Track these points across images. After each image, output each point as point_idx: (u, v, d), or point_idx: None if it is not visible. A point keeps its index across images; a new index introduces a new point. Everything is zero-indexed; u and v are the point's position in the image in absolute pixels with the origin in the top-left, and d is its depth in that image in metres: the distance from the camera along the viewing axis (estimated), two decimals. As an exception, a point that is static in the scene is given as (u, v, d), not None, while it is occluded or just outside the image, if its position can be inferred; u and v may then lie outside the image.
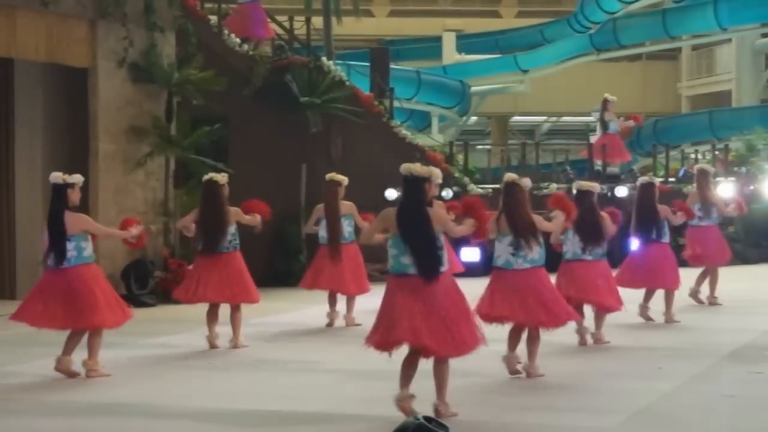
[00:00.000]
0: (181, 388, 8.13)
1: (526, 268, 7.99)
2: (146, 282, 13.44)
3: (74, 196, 8.26)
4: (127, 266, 13.43)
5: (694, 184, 12.98)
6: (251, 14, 16.74)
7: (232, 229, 9.76)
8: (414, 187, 6.62)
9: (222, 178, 9.78)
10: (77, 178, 8.30)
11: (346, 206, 11.11)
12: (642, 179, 11.79)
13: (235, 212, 9.79)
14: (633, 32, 29.57)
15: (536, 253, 8.01)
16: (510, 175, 8.18)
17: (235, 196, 12.48)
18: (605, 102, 17.98)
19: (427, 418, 6.32)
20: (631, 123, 19.12)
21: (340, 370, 8.47)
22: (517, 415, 7.13)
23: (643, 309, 11.26)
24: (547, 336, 9.62)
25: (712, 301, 12.63)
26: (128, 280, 13.38)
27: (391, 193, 15.53)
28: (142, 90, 14.09)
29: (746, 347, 9.72)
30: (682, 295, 12.11)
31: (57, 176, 8.25)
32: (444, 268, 6.61)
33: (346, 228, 11.07)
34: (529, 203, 8.00)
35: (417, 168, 6.63)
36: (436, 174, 6.69)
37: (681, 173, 20.21)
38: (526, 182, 8.07)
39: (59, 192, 8.22)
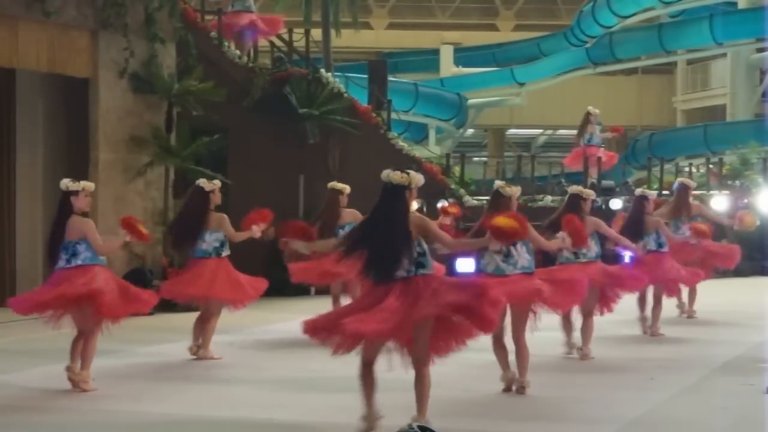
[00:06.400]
0: (178, 396, 8.18)
1: (517, 274, 8.06)
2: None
3: (79, 203, 8.29)
4: (126, 275, 13.45)
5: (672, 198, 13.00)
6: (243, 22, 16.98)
7: (213, 235, 9.75)
8: (393, 195, 6.56)
9: (207, 184, 9.79)
10: (82, 185, 8.31)
11: (349, 214, 11.20)
12: (636, 191, 11.96)
13: (219, 218, 9.78)
14: (629, 46, 29.76)
15: (526, 260, 8.08)
16: (498, 183, 8.28)
17: (235, 206, 12.61)
18: (587, 115, 18.10)
19: (422, 428, 6.44)
20: (608, 135, 19.19)
21: (336, 379, 8.54)
22: (510, 426, 7.22)
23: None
24: (541, 347, 9.76)
25: (691, 314, 12.71)
26: (127, 288, 13.47)
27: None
28: (143, 100, 14.20)
29: (738, 359, 9.82)
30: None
31: (63, 183, 8.36)
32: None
33: None
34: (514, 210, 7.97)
35: (396, 176, 6.56)
36: (417, 180, 6.59)
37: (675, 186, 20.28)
38: (512, 191, 8.11)
39: (62, 198, 8.31)
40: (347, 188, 11.27)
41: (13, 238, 13.78)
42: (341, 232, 11.22)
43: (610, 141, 20.29)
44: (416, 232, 6.53)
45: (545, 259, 9.21)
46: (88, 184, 8.36)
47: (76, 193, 8.25)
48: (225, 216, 9.84)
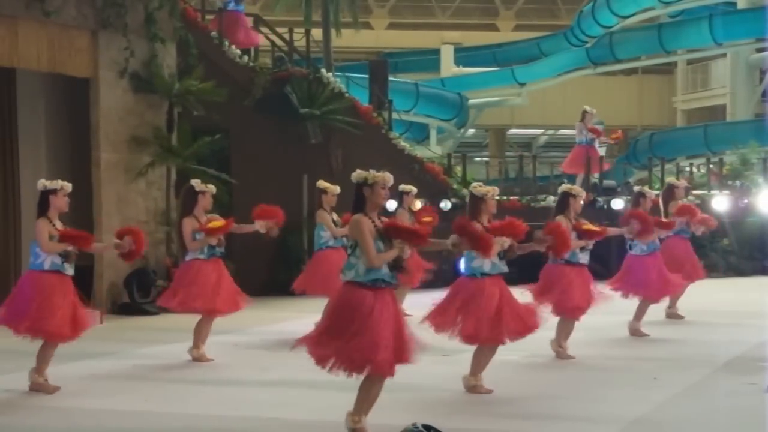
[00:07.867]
0: (180, 396, 8.19)
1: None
2: (148, 291, 13.56)
3: (57, 202, 8.18)
4: (130, 275, 13.55)
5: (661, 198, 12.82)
6: (236, 22, 16.99)
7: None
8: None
9: (198, 185, 9.63)
10: (58, 184, 8.21)
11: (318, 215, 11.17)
12: (635, 188, 11.96)
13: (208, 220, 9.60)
14: (629, 46, 29.78)
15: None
16: (473, 184, 8.26)
17: (237, 206, 12.64)
18: (583, 113, 17.93)
19: (425, 426, 6.44)
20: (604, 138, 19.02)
21: (341, 379, 8.54)
22: (510, 425, 7.22)
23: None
24: (542, 347, 9.76)
25: (671, 314, 12.54)
26: (131, 288, 13.51)
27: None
28: (143, 100, 14.21)
29: (740, 358, 9.82)
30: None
31: (40, 183, 8.30)
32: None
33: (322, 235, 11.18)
34: (486, 212, 7.95)
35: (355, 174, 6.64)
36: (375, 177, 6.54)
37: None
38: (485, 190, 8.01)
39: (42, 198, 8.24)
40: (331, 188, 11.17)
41: (18, 238, 13.78)
42: (321, 233, 11.23)
43: (612, 145, 20.17)
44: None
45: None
46: (66, 184, 8.26)
47: (54, 191, 8.16)
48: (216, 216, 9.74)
